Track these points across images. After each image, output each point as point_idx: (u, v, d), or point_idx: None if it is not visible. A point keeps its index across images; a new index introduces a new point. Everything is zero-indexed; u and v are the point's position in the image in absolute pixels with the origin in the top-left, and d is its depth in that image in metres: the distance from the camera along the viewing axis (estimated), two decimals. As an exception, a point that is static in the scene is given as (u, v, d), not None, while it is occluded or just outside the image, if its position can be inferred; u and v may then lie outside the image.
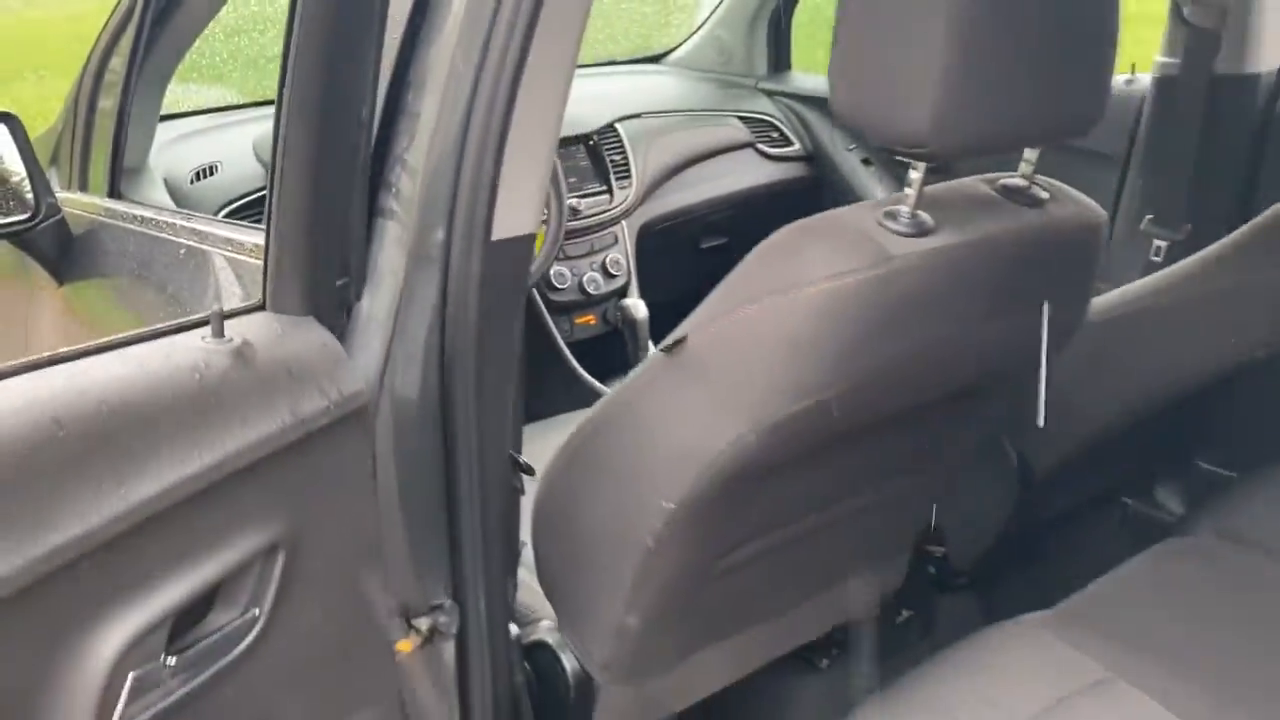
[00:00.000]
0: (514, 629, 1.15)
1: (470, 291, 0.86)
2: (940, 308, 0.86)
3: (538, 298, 1.94)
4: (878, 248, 0.82)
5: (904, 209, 0.85)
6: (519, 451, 1.05)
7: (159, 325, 0.80)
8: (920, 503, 1.26)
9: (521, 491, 1.08)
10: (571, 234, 1.97)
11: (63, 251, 1.48)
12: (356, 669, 0.95)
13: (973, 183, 0.95)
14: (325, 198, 0.82)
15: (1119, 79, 1.92)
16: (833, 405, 0.84)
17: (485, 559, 1.00)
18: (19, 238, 1.46)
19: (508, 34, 0.80)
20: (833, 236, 0.84)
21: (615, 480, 0.96)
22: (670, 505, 0.90)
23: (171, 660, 0.74)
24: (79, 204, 1.52)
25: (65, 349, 0.73)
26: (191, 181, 1.71)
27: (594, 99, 2.19)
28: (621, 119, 2.14)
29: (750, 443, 0.84)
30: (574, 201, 1.98)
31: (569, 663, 1.11)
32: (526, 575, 1.15)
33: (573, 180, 2.01)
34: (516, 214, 0.86)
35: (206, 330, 0.78)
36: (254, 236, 1.04)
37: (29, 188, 1.41)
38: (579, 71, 2.88)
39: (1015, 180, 0.94)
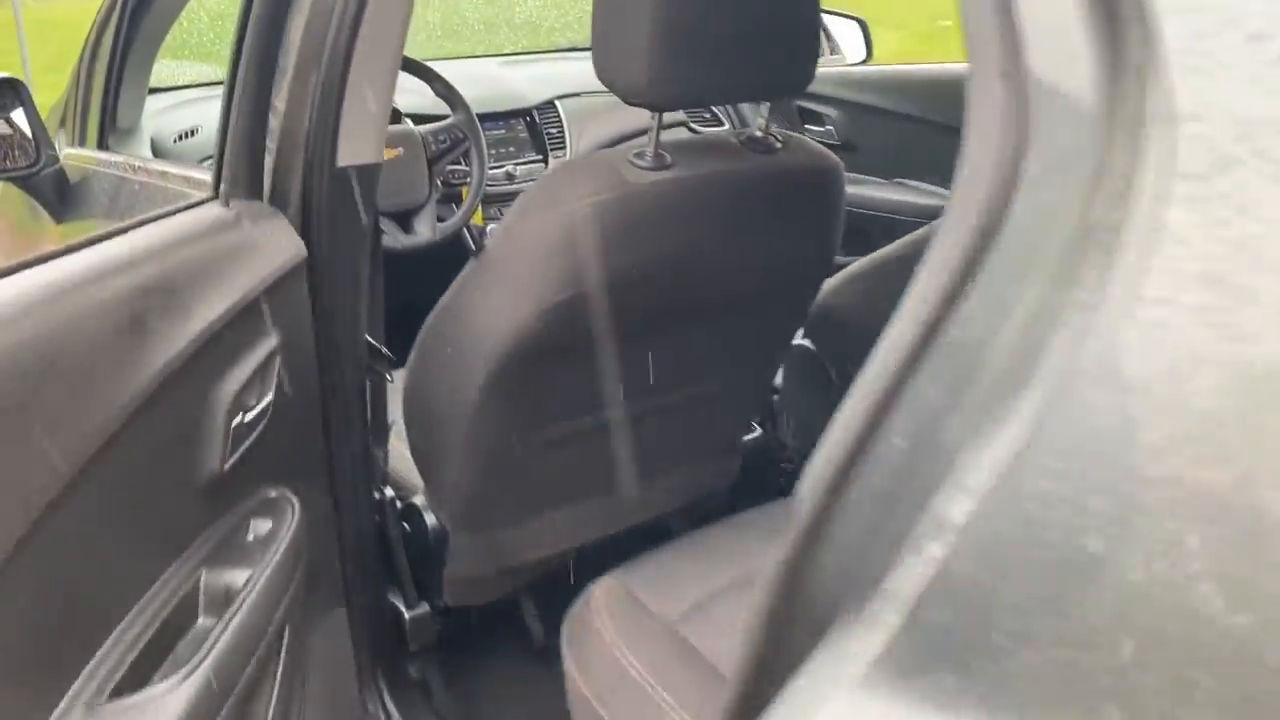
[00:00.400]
0: (390, 492, 1.44)
1: (323, 209, 1.14)
2: (673, 225, 1.13)
3: (473, 248, 2.22)
4: (620, 177, 1.09)
5: (649, 150, 1.12)
6: (382, 343, 1.34)
7: (179, 204, 1.12)
8: (732, 409, 1.52)
9: (386, 377, 1.36)
10: (507, 197, 2.25)
11: (60, 196, 1.79)
12: (317, 451, 1.26)
13: (721, 134, 1.22)
14: (259, 128, 1.15)
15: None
16: (591, 298, 1.11)
17: (346, 429, 1.28)
18: (24, 183, 1.77)
19: (344, 3, 1.08)
20: (589, 168, 1.11)
21: (446, 361, 1.24)
22: (479, 379, 1.17)
23: (247, 416, 1.06)
24: (76, 157, 1.83)
25: (128, 221, 1.03)
26: (175, 141, 2.02)
27: (541, 79, 2.47)
28: (562, 96, 2.41)
29: (529, 325, 1.12)
30: (510, 168, 2.26)
31: (430, 519, 1.39)
32: (406, 449, 1.43)
33: (511, 149, 2.30)
34: (358, 145, 1.14)
35: (215, 204, 1.11)
36: (198, 173, 1.34)
37: (32, 141, 1.72)
38: (536, 56, 3.18)
39: (755, 133, 1.20)
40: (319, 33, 1.09)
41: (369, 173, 1.18)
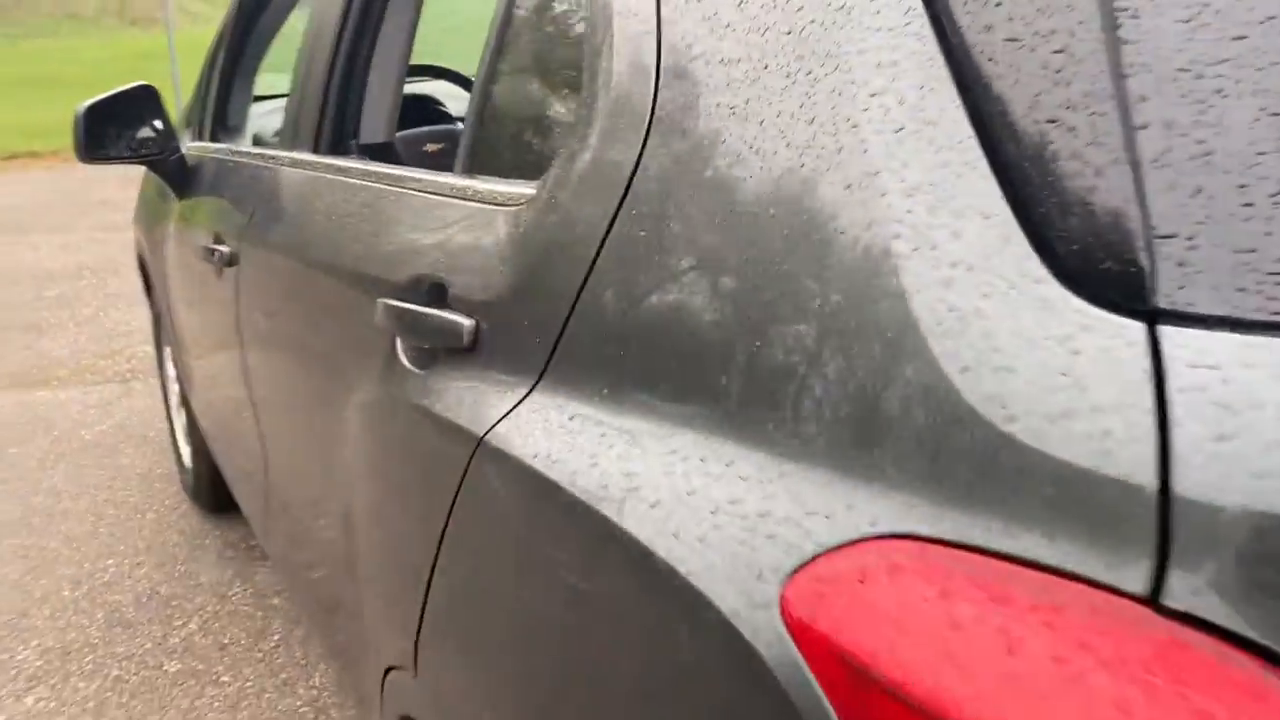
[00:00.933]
0: None
1: None
2: None
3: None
4: None
5: None
6: None
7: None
8: None
9: None
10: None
11: (181, 177, 2.28)
12: None
13: None
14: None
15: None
16: None
17: None
18: (155, 167, 2.27)
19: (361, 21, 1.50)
20: None
21: None
22: None
23: None
24: (194, 148, 2.33)
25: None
26: (272, 137, 2.50)
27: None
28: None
29: None
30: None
31: None
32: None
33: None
34: (373, 127, 1.56)
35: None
36: (277, 151, 1.78)
37: (161, 134, 2.22)
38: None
39: None
40: (352, 41, 1.52)
41: (384, 149, 1.59)
